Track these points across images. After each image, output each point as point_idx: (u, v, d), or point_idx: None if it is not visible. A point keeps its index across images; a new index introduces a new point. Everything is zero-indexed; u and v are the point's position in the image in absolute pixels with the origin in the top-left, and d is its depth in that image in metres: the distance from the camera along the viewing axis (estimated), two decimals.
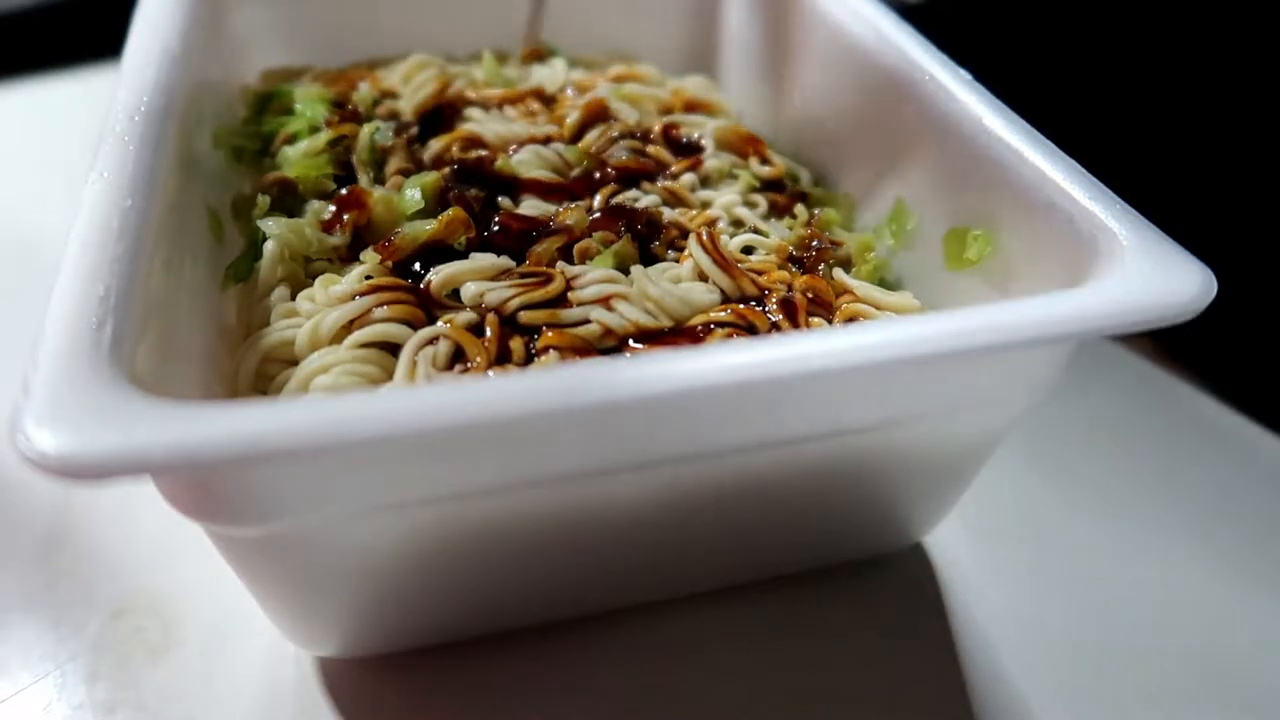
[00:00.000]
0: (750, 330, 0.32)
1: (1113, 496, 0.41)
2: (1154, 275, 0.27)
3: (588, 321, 0.32)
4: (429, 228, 0.35)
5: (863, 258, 0.38)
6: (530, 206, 0.37)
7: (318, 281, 0.33)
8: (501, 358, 0.31)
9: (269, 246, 0.34)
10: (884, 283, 0.37)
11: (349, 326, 0.32)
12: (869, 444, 0.30)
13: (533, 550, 0.29)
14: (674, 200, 0.39)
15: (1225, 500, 0.41)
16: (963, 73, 0.36)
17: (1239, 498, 0.41)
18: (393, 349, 0.31)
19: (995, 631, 0.35)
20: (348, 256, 0.35)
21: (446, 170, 0.38)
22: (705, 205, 0.39)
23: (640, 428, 0.25)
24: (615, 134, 0.41)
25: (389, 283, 0.33)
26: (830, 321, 0.33)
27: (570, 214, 0.36)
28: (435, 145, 0.40)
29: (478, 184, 0.38)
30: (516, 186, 0.38)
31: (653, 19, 0.53)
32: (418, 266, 0.34)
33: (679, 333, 0.32)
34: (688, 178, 0.40)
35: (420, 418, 0.22)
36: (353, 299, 0.32)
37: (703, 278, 0.34)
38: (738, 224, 0.38)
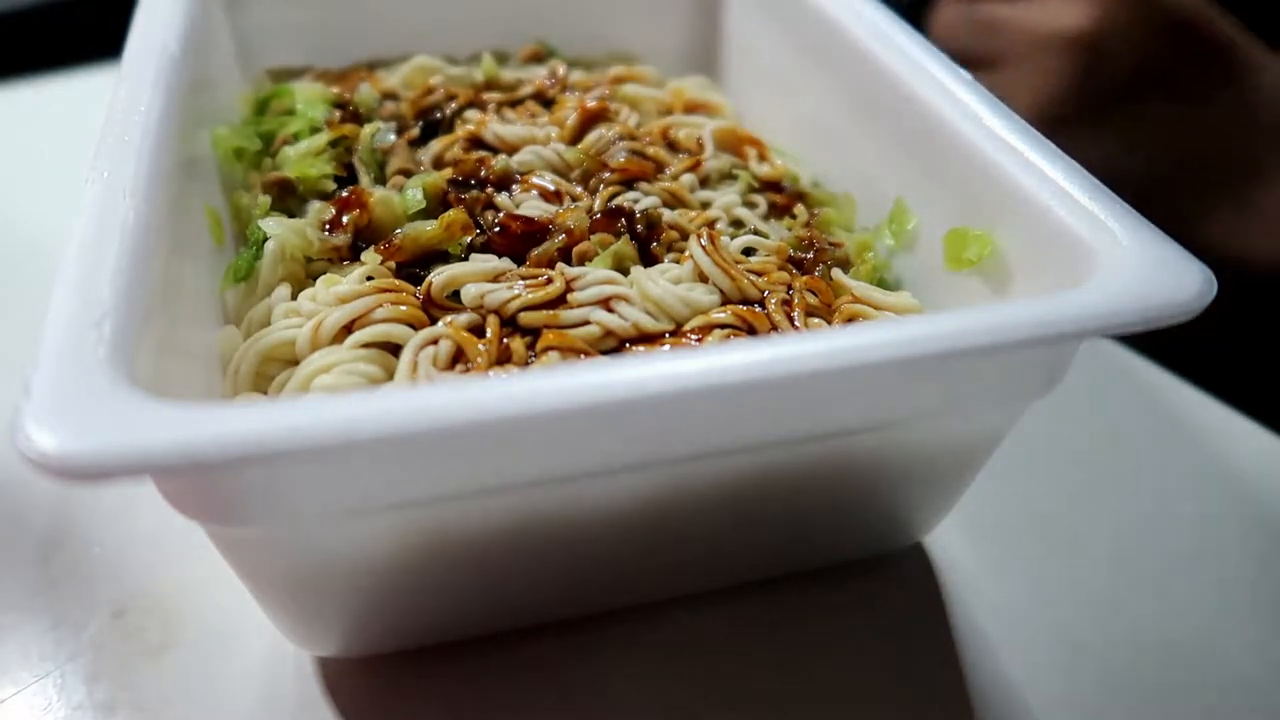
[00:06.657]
0: (750, 331, 0.32)
1: (1112, 496, 0.41)
2: (1154, 275, 0.26)
3: (588, 323, 0.32)
4: (430, 228, 0.35)
5: (862, 258, 0.38)
6: (530, 207, 0.37)
7: (320, 281, 0.33)
8: (502, 359, 0.31)
9: (270, 246, 0.34)
10: (883, 283, 0.37)
11: (350, 326, 0.32)
12: (869, 444, 0.30)
13: (532, 550, 0.29)
14: (674, 201, 0.39)
15: (1225, 499, 0.41)
16: (963, 73, 0.36)
17: (1239, 497, 0.41)
18: (394, 349, 0.31)
19: (995, 631, 0.35)
20: (349, 257, 0.36)
21: (448, 173, 0.38)
22: (705, 205, 0.39)
23: (640, 428, 0.25)
24: (615, 135, 0.41)
25: (390, 283, 0.33)
26: (829, 322, 0.33)
27: (570, 215, 0.36)
28: (436, 146, 0.40)
29: (478, 186, 0.38)
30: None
31: (653, 20, 0.53)
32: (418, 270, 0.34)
33: (679, 334, 0.32)
34: (687, 178, 0.40)
35: (421, 418, 0.22)
36: (354, 299, 0.32)
37: (703, 279, 0.34)
38: (737, 224, 0.38)
